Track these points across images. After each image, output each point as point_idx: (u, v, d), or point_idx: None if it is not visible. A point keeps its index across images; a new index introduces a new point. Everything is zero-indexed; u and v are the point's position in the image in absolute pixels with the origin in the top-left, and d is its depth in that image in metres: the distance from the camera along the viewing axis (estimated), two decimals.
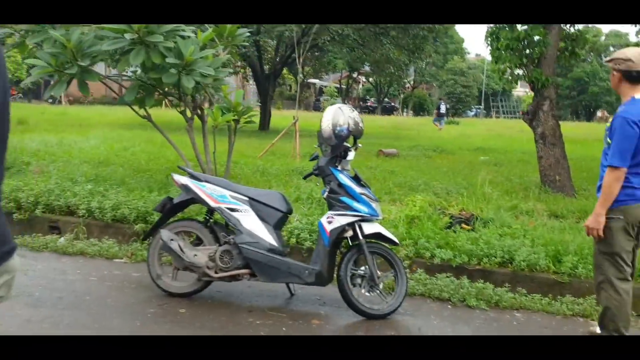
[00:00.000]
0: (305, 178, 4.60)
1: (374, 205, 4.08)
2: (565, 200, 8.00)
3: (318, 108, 44.66)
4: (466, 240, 5.05)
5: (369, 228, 4.05)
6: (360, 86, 64.70)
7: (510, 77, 9.27)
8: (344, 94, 56.97)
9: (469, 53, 61.40)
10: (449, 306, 4.43)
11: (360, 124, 4.14)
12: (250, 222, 4.09)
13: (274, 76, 21.25)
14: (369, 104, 58.23)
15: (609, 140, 3.47)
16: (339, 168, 4.12)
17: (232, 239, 4.15)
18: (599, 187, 3.54)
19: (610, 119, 3.53)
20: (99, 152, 9.90)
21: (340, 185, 4.05)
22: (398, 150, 14.09)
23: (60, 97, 32.88)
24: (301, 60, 14.22)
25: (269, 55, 22.53)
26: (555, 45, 8.78)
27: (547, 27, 8.65)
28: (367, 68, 39.75)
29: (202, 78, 5.54)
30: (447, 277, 4.71)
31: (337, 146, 4.05)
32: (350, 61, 42.39)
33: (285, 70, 55.04)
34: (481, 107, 55.28)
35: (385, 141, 17.71)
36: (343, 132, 4.00)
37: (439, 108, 29.14)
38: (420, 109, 50.11)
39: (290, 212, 4.36)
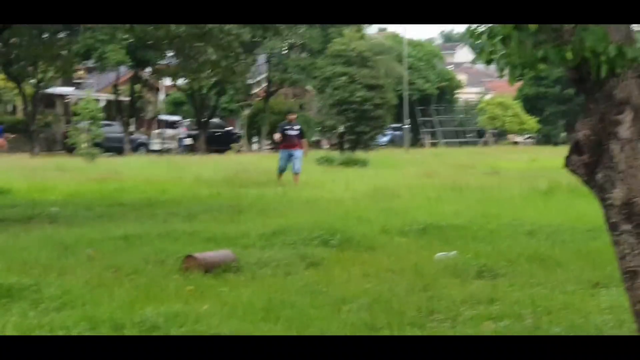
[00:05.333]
0: None
1: None
2: None
3: (72, 149, 21.64)
4: None
5: None
6: (162, 96, 35.17)
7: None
8: (127, 112, 29.49)
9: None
10: None
11: None
12: None
13: None
14: (181, 131, 30.52)
15: None
16: None
17: None
18: None
19: None
20: None
21: None
22: (235, 256, 5.54)
23: None
24: None
25: None
26: None
27: None
28: (171, 56, 16.61)
29: None
30: None
31: None
32: (134, 49, 22.43)
33: None
34: (404, 124, 30.42)
35: (212, 224, 7.57)
36: None
37: (284, 133, 13.23)
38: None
39: None
